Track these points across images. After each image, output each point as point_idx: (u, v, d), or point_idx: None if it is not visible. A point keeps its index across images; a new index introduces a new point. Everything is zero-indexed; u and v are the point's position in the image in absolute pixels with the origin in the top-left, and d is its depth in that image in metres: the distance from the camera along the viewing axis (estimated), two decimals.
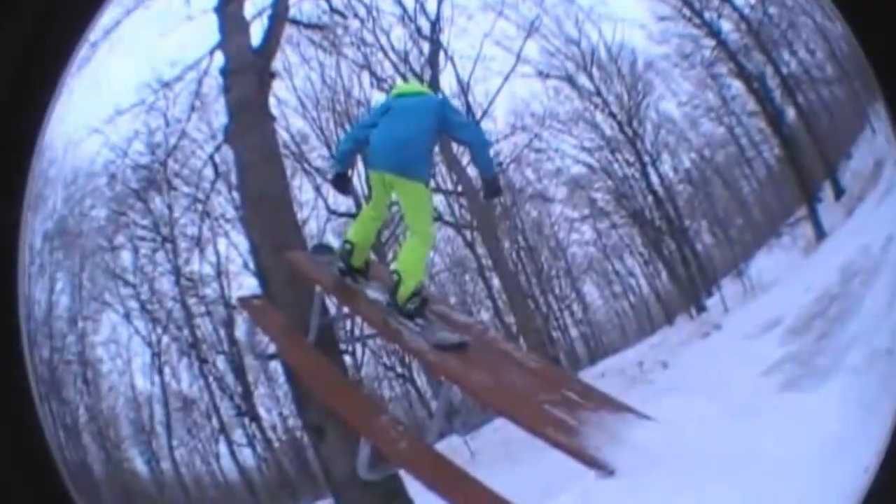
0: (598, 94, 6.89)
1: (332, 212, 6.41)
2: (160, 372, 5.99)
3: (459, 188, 6.65)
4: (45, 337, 5.40)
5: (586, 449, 3.02)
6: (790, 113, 6.81)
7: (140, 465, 5.72)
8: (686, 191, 7.16)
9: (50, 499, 1.69)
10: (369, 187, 3.96)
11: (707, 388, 4.30)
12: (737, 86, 6.89)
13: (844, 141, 6.75)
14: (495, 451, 4.39)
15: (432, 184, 4.33)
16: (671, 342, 6.23)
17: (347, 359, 5.28)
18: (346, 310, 4.44)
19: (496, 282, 6.67)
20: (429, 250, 3.90)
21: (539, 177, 7.08)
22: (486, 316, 6.63)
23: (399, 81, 4.16)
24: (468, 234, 6.86)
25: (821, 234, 6.50)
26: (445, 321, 3.81)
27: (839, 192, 6.65)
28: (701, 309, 6.66)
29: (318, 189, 6.39)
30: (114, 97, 5.50)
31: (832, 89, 6.81)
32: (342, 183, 4.12)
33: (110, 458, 5.64)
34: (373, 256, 4.21)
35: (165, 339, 6.07)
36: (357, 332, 5.36)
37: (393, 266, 3.80)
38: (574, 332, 7.22)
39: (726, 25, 6.62)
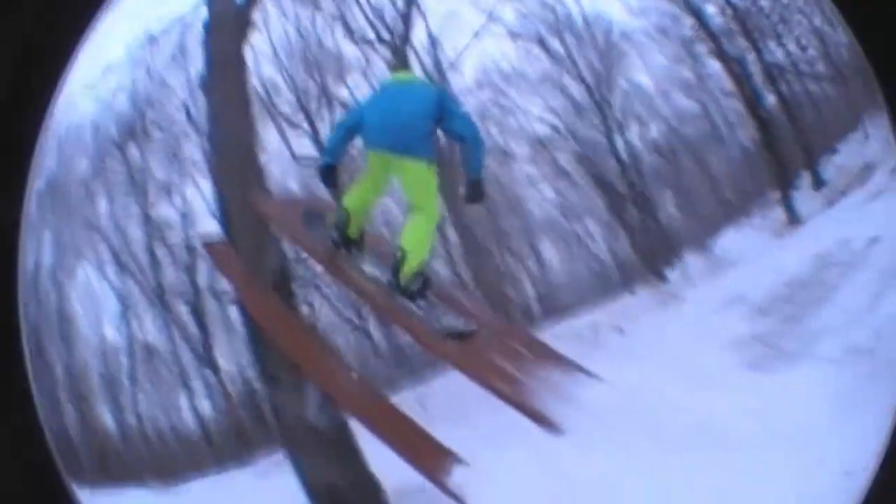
0: (569, 57, 6.92)
1: (296, 158, 6.54)
2: (127, 322, 6.08)
3: None
4: (32, 299, 5.42)
5: (533, 404, 3.02)
6: (770, 99, 6.82)
7: (109, 421, 5.79)
8: (653, 160, 7.20)
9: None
10: (366, 166, 3.74)
11: (664, 358, 4.23)
12: (714, 65, 6.93)
13: (831, 137, 6.78)
14: (447, 404, 4.37)
15: None
16: (629, 309, 6.14)
17: (305, 308, 5.29)
18: (304, 255, 4.48)
19: (452, 234, 6.66)
20: (433, 229, 3.70)
21: (502, 133, 7.07)
22: (440, 267, 6.58)
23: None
24: None
25: (795, 219, 6.49)
26: (445, 301, 3.69)
27: (819, 183, 6.66)
28: (662, 279, 6.66)
29: (283, 135, 6.55)
30: (105, 53, 5.60)
31: (822, 86, 6.82)
32: (330, 175, 3.80)
33: (84, 417, 5.69)
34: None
35: (135, 288, 6.16)
36: (315, 280, 5.45)
37: (396, 243, 3.57)
38: (530, 292, 7.26)
39: (711, 8, 6.63)
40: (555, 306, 7.11)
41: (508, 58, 6.95)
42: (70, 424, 5.56)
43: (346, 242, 3.77)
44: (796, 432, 2.89)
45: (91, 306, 5.98)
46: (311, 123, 6.74)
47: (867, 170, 6.14)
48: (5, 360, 1.66)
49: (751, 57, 6.62)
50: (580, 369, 3.43)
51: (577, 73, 6.95)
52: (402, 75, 4.07)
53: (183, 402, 6.19)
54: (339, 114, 6.53)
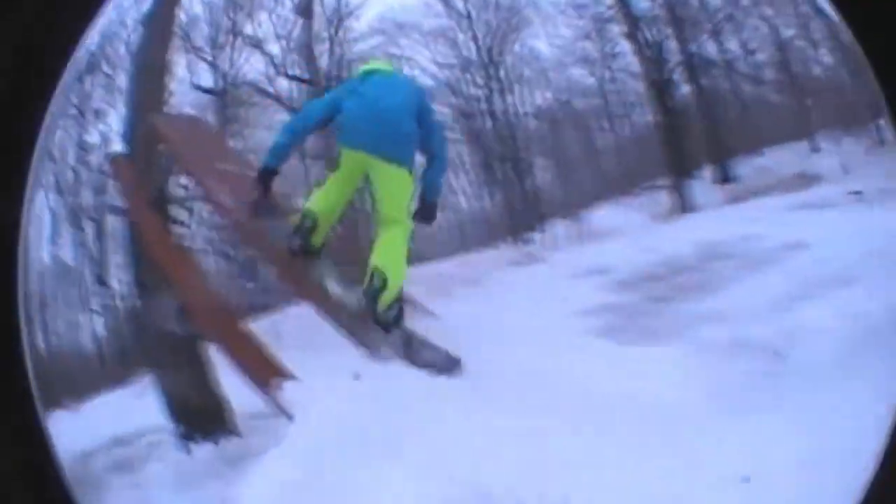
0: (468, 16, 7.06)
1: (196, 87, 6.92)
2: (55, 243, 6.33)
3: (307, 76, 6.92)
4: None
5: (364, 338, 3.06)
6: (684, 89, 6.84)
7: (41, 343, 5.93)
8: (534, 126, 7.27)
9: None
10: (337, 165, 3.41)
11: (515, 315, 4.21)
12: (625, 46, 6.97)
13: (758, 139, 6.77)
14: (302, 334, 4.44)
15: None
16: (486, 264, 6.15)
17: (180, 227, 5.40)
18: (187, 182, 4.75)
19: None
20: (407, 245, 3.36)
21: None
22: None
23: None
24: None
25: (686, 207, 6.51)
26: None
27: (725, 178, 6.67)
28: (525, 241, 6.66)
29: (189, 68, 6.92)
30: None
31: (761, 90, 6.83)
32: (268, 179, 3.49)
33: (32, 341, 5.91)
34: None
35: (63, 210, 6.44)
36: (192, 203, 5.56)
37: (372, 262, 3.22)
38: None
39: None
40: (416, 253, 7.15)
41: (408, 9, 7.13)
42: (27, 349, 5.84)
43: (308, 251, 3.44)
44: (657, 406, 2.94)
45: (37, 230, 6.17)
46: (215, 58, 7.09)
47: (804, 179, 6.17)
48: (5, 360, 1.66)
49: (672, 45, 6.63)
50: (422, 308, 3.47)
51: (472, 33, 7.06)
52: (381, 65, 3.63)
53: (84, 320, 6.40)
54: (245, 52, 6.97)
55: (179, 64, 6.72)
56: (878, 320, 3.28)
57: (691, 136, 6.69)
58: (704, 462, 2.58)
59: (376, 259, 3.20)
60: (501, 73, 7.01)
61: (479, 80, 7.06)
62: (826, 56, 6.63)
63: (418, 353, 3.16)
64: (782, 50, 6.48)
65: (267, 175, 3.50)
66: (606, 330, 4.06)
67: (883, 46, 1.73)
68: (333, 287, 3.49)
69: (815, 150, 6.41)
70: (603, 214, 6.73)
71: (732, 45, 6.64)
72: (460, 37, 7.11)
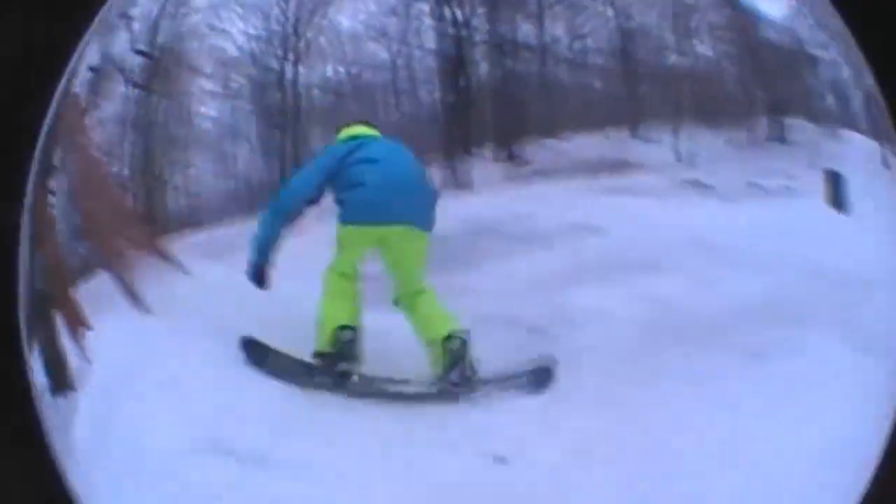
0: None
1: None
2: None
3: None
4: None
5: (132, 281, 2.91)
6: (483, 68, 6.85)
7: None
8: (322, 99, 7.31)
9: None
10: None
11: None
12: (428, 23, 7.00)
13: (563, 123, 6.76)
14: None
15: None
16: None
17: None
18: None
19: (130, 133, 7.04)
20: None
21: (199, 51, 7.48)
22: None
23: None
24: None
25: (460, 184, 6.49)
26: None
27: (509, 157, 6.65)
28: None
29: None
30: None
31: (576, 75, 6.88)
32: (262, 275, 2.87)
33: None
34: None
35: None
36: None
37: (427, 337, 2.80)
38: (178, 202, 7.65)
39: None
40: (195, 218, 7.23)
41: None
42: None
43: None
44: None
45: None
46: None
47: (616, 165, 6.28)
48: (5, 360, 1.66)
49: (482, 25, 6.63)
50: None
51: (284, 6, 7.16)
52: (365, 130, 3.15)
53: None
54: None
55: None
56: (671, 311, 3.29)
57: (479, 115, 6.70)
58: (458, 443, 2.53)
59: (431, 331, 2.82)
60: (301, 45, 7.00)
61: (280, 52, 7.06)
62: (704, 48, 6.70)
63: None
64: (625, 37, 6.51)
65: (260, 273, 2.90)
66: (374, 302, 4.13)
67: (883, 46, 1.73)
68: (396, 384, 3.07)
69: (642, 138, 6.41)
70: None
71: (559, 29, 6.64)
72: (275, 10, 7.10)
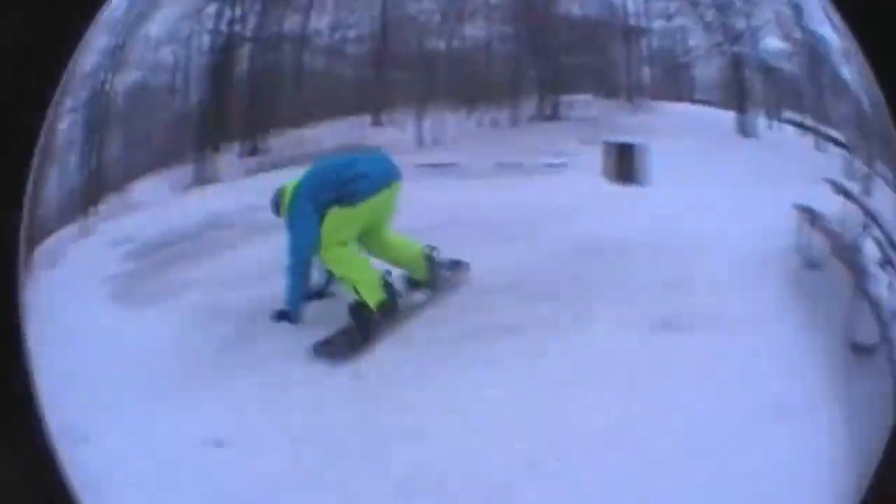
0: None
1: None
2: None
3: None
4: None
5: None
6: (244, 66, 6.87)
7: None
8: (123, 103, 7.42)
9: None
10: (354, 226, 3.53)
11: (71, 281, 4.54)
12: (209, 25, 7.04)
13: (321, 115, 6.88)
14: None
15: None
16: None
17: None
18: None
19: None
20: None
21: None
22: None
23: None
24: None
25: (206, 179, 6.51)
26: None
27: (253, 151, 6.72)
28: (92, 213, 6.93)
29: None
30: None
31: (338, 66, 6.96)
32: (297, 319, 3.46)
33: None
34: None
35: None
36: None
37: (417, 251, 3.66)
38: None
39: None
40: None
41: None
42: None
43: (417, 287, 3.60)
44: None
45: None
46: None
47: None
48: (5, 360, 1.66)
49: (252, 22, 6.65)
50: None
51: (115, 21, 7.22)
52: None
53: None
54: None
55: None
56: None
57: (232, 111, 6.76)
58: (177, 426, 2.74)
59: (408, 250, 3.62)
60: (119, 54, 7.13)
61: (107, 63, 7.24)
62: (477, 29, 6.94)
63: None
64: (386, 26, 6.62)
65: (295, 316, 3.49)
66: (116, 296, 4.34)
67: (882, 45, 1.72)
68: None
69: (377, 124, 6.55)
70: (146, 186, 6.96)
71: (322, 23, 6.76)
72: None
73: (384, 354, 3.20)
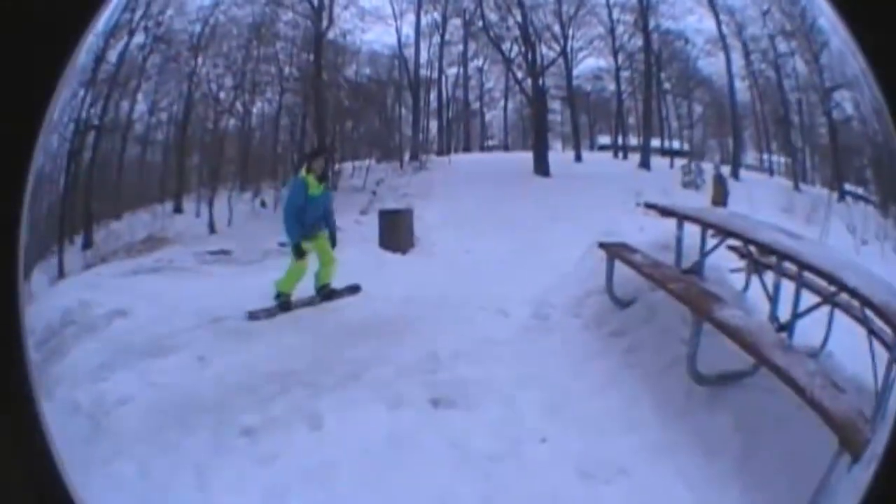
0: None
1: None
2: None
3: None
4: None
5: None
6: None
7: None
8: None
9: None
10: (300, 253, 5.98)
11: None
12: None
13: (123, 203, 7.06)
14: None
15: None
16: None
17: None
18: None
19: None
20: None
21: None
22: None
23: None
24: None
25: (59, 275, 6.65)
26: None
27: (86, 245, 6.92)
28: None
29: None
30: None
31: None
32: (301, 251, 5.91)
33: None
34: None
35: None
36: None
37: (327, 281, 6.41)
38: None
39: None
40: None
41: None
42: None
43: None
44: None
45: None
46: None
47: (151, 243, 6.93)
48: (5, 360, 1.65)
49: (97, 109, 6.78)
50: None
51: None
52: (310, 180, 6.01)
53: None
54: None
55: None
56: (184, 393, 3.99)
57: (75, 205, 6.81)
58: None
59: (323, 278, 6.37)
60: None
61: None
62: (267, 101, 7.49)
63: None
64: (189, 106, 6.86)
65: (298, 248, 5.95)
66: None
67: (883, 46, 1.72)
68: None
69: (178, 210, 6.90)
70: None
71: (143, 105, 6.92)
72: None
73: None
